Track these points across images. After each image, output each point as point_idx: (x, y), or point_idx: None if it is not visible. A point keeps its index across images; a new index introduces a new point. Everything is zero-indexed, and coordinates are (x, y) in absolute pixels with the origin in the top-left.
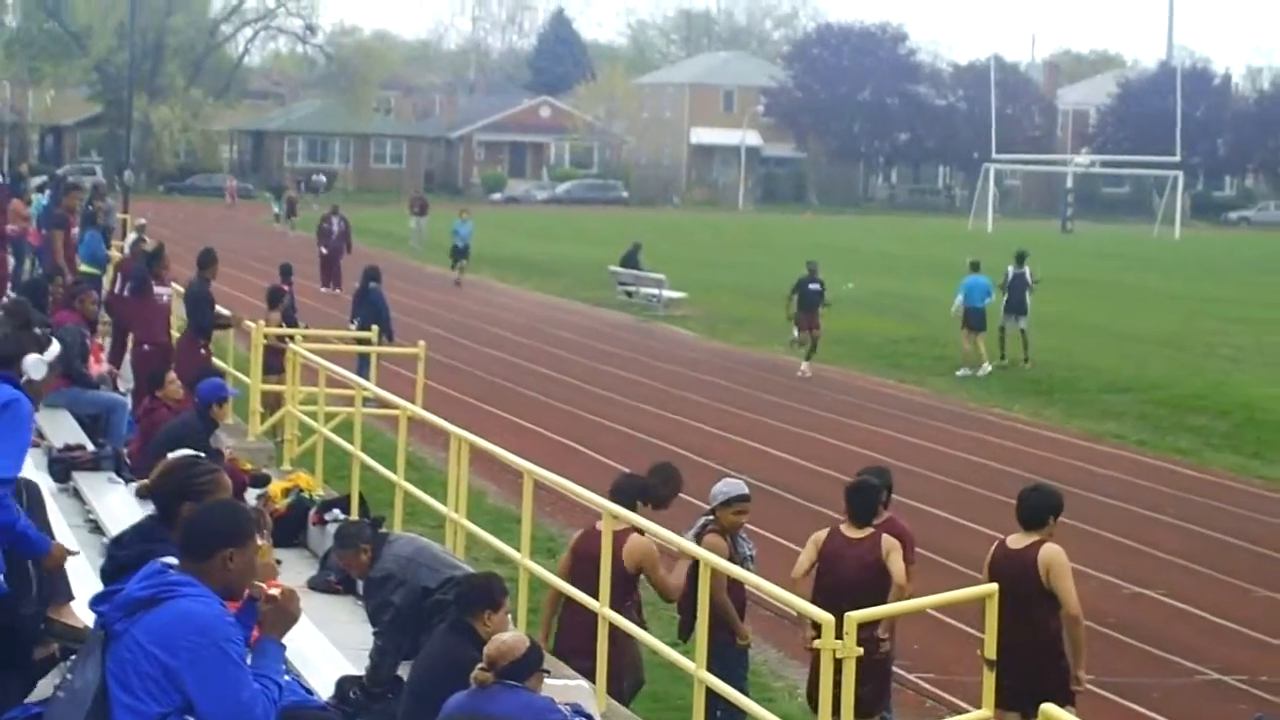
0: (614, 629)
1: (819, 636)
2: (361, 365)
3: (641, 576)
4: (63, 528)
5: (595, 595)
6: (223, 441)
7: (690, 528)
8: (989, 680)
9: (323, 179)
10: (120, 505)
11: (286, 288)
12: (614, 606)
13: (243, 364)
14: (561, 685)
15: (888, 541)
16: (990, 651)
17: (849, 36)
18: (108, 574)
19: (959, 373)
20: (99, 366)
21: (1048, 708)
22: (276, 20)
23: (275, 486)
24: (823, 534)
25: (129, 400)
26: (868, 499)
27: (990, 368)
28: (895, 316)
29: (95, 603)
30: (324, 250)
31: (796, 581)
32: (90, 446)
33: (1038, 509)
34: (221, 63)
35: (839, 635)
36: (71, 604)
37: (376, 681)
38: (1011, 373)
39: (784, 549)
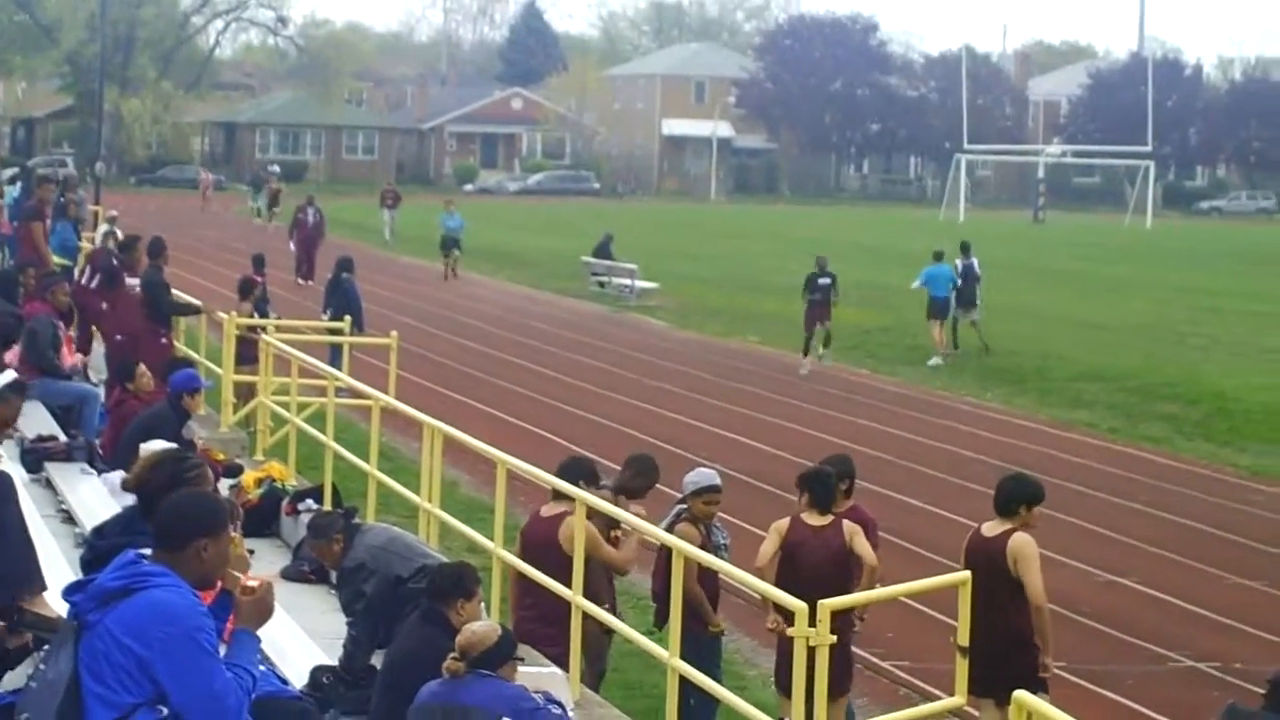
0: (565, 615)
1: (788, 623)
2: (334, 356)
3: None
4: (35, 519)
5: (539, 583)
6: (195, 432)
7: (664, 517)
8: (961, 667)
9: (276, 170)
10: (93, 496)
11: (259, 278)
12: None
13: (215, 355)
14: (534, 673)
15: (849, 526)
16: (963, 639)
17: (820, 27)
18: (88, 564)
19: (930, 362)
20: (71, 358)
21: (1020, 695)
22: (248, 12)
23: (248, 477)
24: (784, 522)
25: (101, 391)
26: (828, 486)
27: (940, 359)
28: (868, 306)
29: (68, 593)
30: (298, 242)
31: (762, 570)
32: (63, 438)
33: (1009, 498)
34: (193, 54)
35: (812, 623)
36: (44, 594)
37: (350, 671)
38: (986, 362)
39: (757, 538)
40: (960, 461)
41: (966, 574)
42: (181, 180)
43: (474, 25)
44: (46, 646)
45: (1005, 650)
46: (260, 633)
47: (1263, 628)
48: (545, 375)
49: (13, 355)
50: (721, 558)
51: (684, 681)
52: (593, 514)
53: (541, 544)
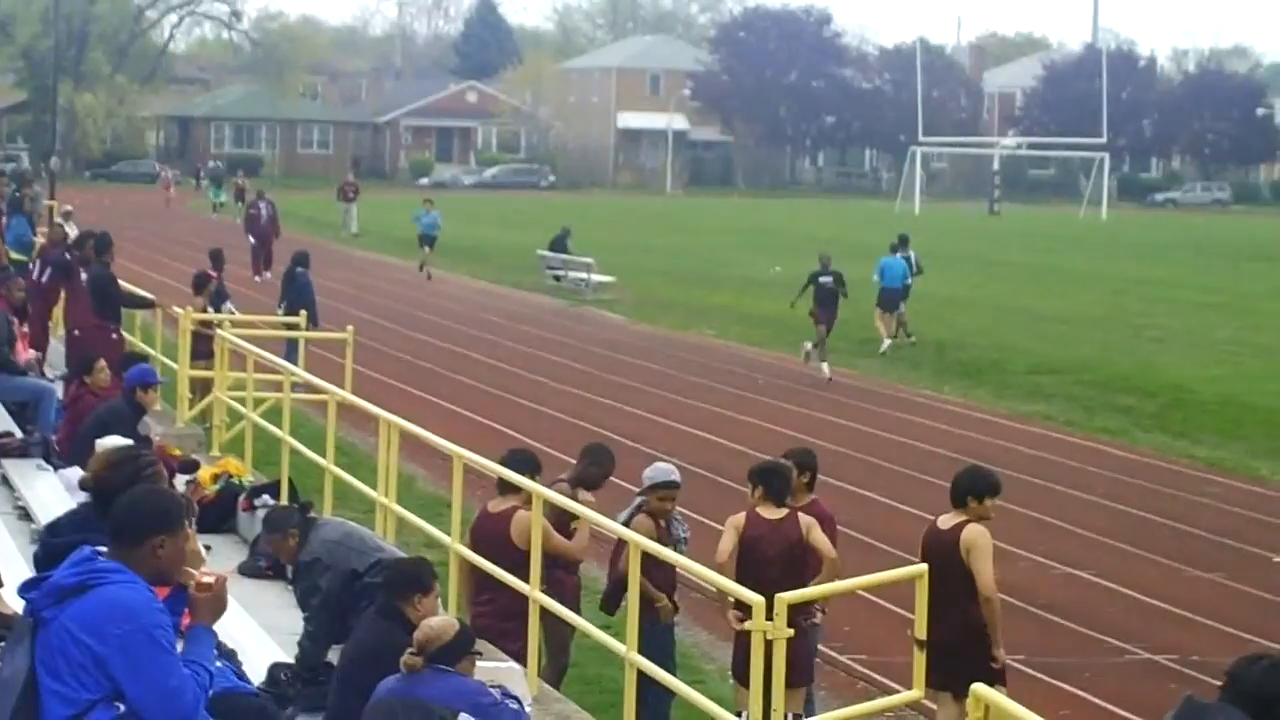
0: (523, 610)
1: (745, 616)
2: (289, 350)
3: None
4: None
5: (497, 579)
6: (151, 428)
7: (624, 509)
8: (919, 661)
9: (219, 165)
10: (49, 492)
11: (214, 274)
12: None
13: (171, 350)
14: (492, 668)
15: (805, 520)
16: (920, 632)
17: (775, 20)
18: (41, 561)
19: (883, 348)
20: (26, 353)
21: (978, 688)
22: (201, 6)
23: (204, 472)
24: (740, 517)
25: (58, 387)
26: (785, 479)
27: (890, 344)
28: None
29: (24, 590)
30: (253, 237)
31: (723, 567)
32: (19, 434)
33: (959, 489)
34: (147, 49)
35: (769, 616)
36: (1, 591)
37: (307, 667)
38: (944, 355)
39: (715, 531)
40: (918, 455)
41: (923, 567)
42: (136, 175)
43: (428, 18)
44: (2, 644)
45: (962, 643)
46: (217, 629)
47: (1220, 620)
48: (502, 369)
49: None
50: (681, 551)
51: (642, 675)
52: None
53: (492, 540)
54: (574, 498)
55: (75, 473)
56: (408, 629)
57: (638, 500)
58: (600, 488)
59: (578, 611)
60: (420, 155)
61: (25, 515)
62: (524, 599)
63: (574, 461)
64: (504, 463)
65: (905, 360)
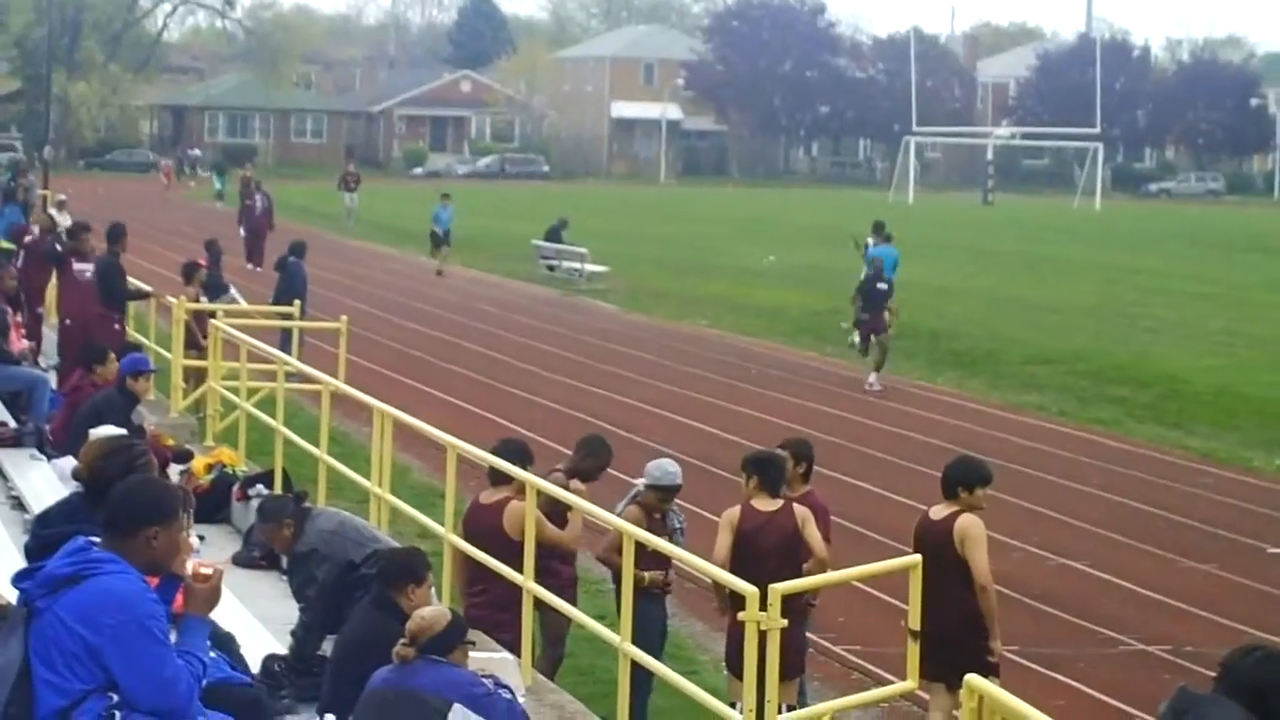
0: (517, 600)
1: (736, 607)
2: (283, 341)
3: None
4: None
5: (490, 569)
6: (145, 417)
7: (622, 500)
8: (913, 651)
9: (198, 153)
10: (42, 482)
11: (202, 263)
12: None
13: (164, 339)
14: (485, 658)
15: (800, 511)
16: (914, 622)
17: (768, 9)
18: (33, 552)
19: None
20: (19, 343)
21: (971, 678)
22: None
23: (198, 462)
24: (734, 511)
25: (51, 376)
26: (780, 470)
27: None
28: (817, 289)
29: (17, 579)
30: (245, 229)
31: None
32: (12, 423)
33: (949, 480)
34: (140, 38)
35: (763, 607)
36: None
37: (301, 657)
38: (938, 345)
39: (707, 521)
40: (911, 445)
41: (917, 558)
42: (130, 164)
43: (422, 7)
44: None
45: (956, 634)
46: (211, 619)
47: (1214, 611)
48: (495, 359)
49: None
50: (676, 542)
51: (634, 666)
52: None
53: (485, 531)
54: (567, 488)
55: (69, 462)
56: (401, 619)
57: (634, 492)
58: (596, 479)
59: (573, 602)
60: (414, 145)
61: (19, 505)
62: (518, 590)
63: (568, 452)
64: (495, 453)
65: (899, 350)
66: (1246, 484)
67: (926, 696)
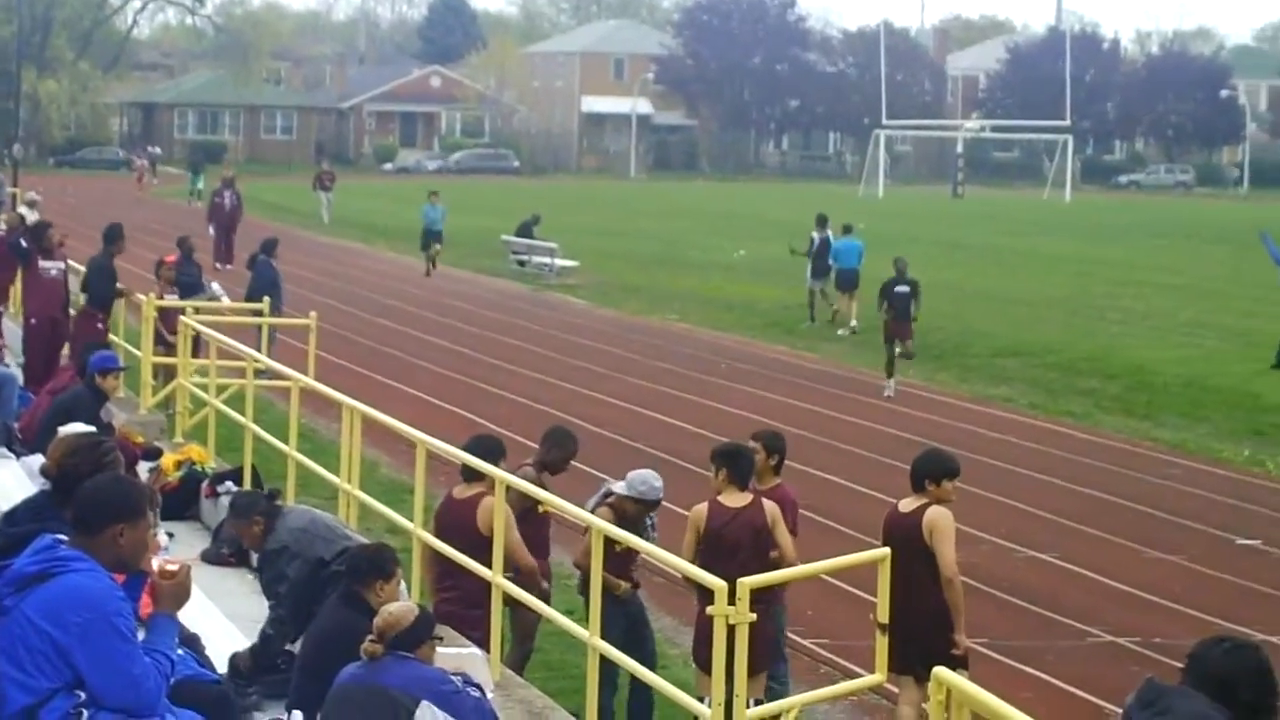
0: (488, 597)
1: (706, 601)
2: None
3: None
4: None
5: (459, 564)
6: (114, 414)
7: (592, 496)
8: (882, 645)
9: (158, 151)
10: (11, 480)
11: (169, 259)
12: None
13: (134, 336)
14: (454, 654)
15: (770, 509)
16: (883, 616)
17: (738, 4)
18: None
19: (839, 332)
20: None
21: (940, 671)
22: None
23: (167, 459)
24: (702, 509)
25: (18, 374)
26: (748, 463)
27: (856, 325)
28: (787, 283)
29: None
30: (214, 226)
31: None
32: None
33: (917, 472)
34: (110, 35)
35: (731, 601)
36: None
37: (267, 654)
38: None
39: (676, 515)
40: (881, 438)
41: (886, 551)
42: (101, 161)
43: (392, 3)
44: None
45: (924, 627)
46: (180, 616)
47: (1183, 602)
48: (466, 355)
49: None
50: (648, 538)
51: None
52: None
53: (458, 526)
54: (539, 483)
55: (38, 460)
56: (369, 615)
57: (605, 490)
58: (564, 470)
59: (549, 597)
60: (384, 140)
61: None
62: (489, 585)
63: (537, 446)
64: (468, 448)
65: (869, 344)
66: (1215, 475)
67: (895, 690)
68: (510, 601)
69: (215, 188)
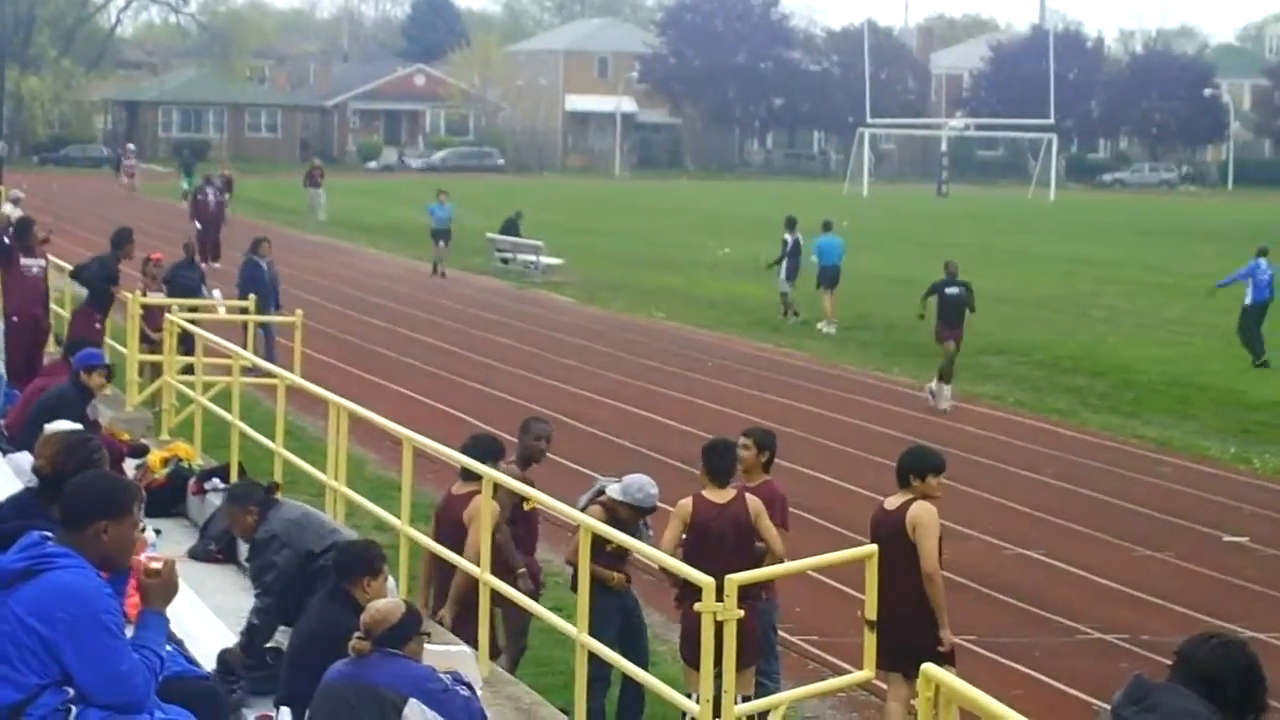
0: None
1: (693, 598)
2: (268, 346)
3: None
4: None
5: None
6: (100, 412)
7: (585, 493)
8: (869, 641)
9: (132, 148)
10: None
11: (155, 256)
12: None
13: (119, 334)
14: (442, 650)
15: (754, 503)
16: (870, 612)
17: (722, 2)
18: None
19: (820, 326)
20: None
21: (928, 668)
22: None
23: (154, 456)
24: (686, 503)
25: (2, 371)
26: (726, 457)
27: (834, 324)
28: (772, 281)
29: None
30: (199, 223)
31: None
32: None
33: (902, 468)
34: (94, 33)
35: (719, 598)
36: None
37: (256, 643)
38: (893, 335)
39: (663, 513)
40: (868, 436)
41: (873, 548)
42: (84, 159)
43: (376, 1)
44: None
45: (912, 623)
46: (167, 612)
47: (1170, 599)
48: (451, 352)
49: None
50: (641, 536)
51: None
52: (500, 491)
53: (452, 522)
54: (525, 480)
55: (25, 457)
56: (356, 612)
57: (596, 487)
58: (543, 457)
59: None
60: (368, 139)
61: None
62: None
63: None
64: (466, 448)
65: (855, 341)
66: (1202, 472)
67: (884, 686)
68: (500, 600)
69: (198, 184)
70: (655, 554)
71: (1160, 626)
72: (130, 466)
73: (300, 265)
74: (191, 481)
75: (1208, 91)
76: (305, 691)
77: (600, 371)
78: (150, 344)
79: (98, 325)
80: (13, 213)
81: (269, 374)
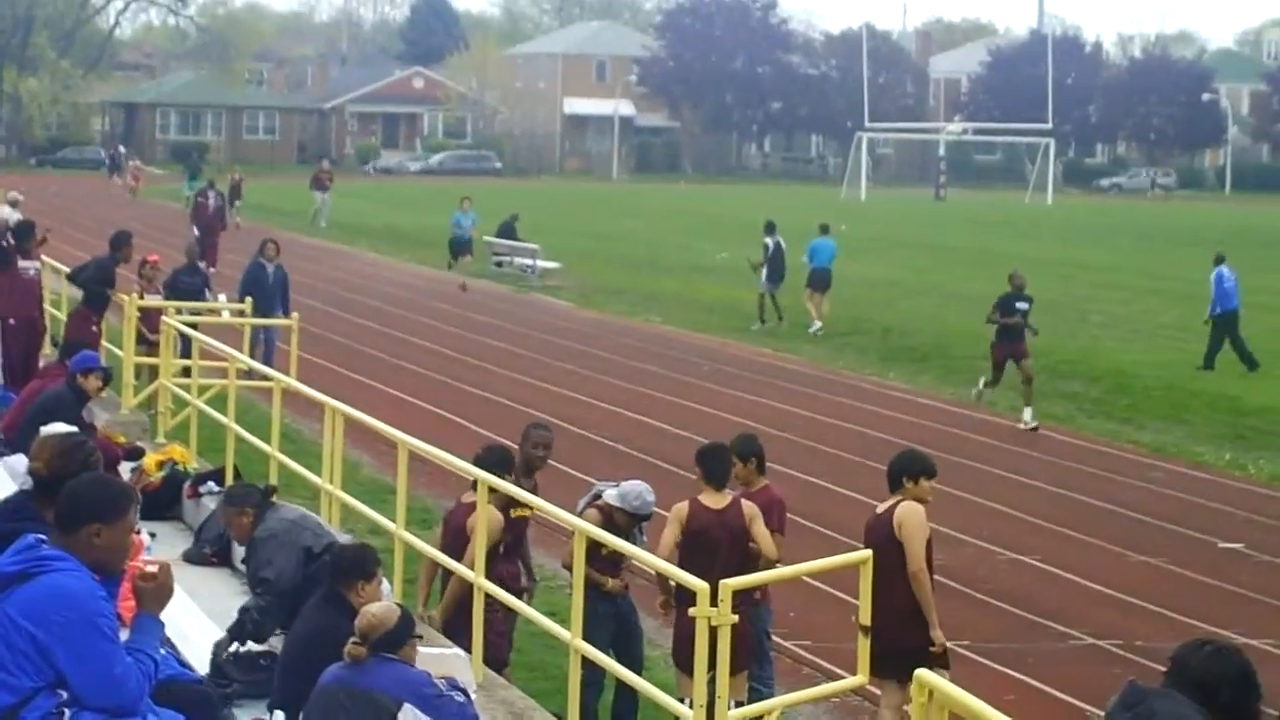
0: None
1: (687, 602)
2: (266, 350)
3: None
4: None
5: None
6: (95, 415)
7: (583, 497)
8: (864, 647)
9: (123, 150)
10: None
11: (152, 258)
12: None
13: (116, 336)
14: (436, 654)
15: (749, 508)
16: (865, 618)
17: (720, 6)
18: None
19: (810, 329)
20: None
21: (922, 673)
22: None
23: (150, 459)
24: (683, 507)
25: None
26: (720, 462)
27: (821, 325)
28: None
29: None
30: (198, 228)
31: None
32: None
33: (893, 472)
34: (92, 35)
35: (714, 603)
36: None
37: (253, 639)
38: (889, 340)
39: (659, 517)
40: (863, 440)
41: (867, 553)
42: (82, 161)
43: (374, 4)
44: None
45: (905, 628)
46: (162, 616)
47: (1164, 605)
48: (448, 356)
49: None
50: (637, 543)
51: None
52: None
53: (457, 529)
54: (520, 487)
55: (20, 460)
56: (351, 616)
57: (594, 492)
58: (543, 462)
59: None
60: (366, 141)
61: None
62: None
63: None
64: (479, 458)
65: (851, 345)
66: (1196, 478)
67: (878, 691)
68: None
69: (200, 188)
70: (650, 558)
71: (1154, 632)
72: (126, 470)
73: (298, 268)
74: (186, 485)
75: (1206, 96)
76: (299, 695)
77: (597, 375)
78: (148, 345)
79: (94, 328)
80: (12, 216)
81: (265, 377)
